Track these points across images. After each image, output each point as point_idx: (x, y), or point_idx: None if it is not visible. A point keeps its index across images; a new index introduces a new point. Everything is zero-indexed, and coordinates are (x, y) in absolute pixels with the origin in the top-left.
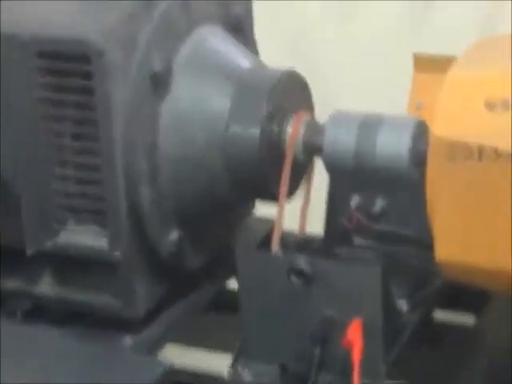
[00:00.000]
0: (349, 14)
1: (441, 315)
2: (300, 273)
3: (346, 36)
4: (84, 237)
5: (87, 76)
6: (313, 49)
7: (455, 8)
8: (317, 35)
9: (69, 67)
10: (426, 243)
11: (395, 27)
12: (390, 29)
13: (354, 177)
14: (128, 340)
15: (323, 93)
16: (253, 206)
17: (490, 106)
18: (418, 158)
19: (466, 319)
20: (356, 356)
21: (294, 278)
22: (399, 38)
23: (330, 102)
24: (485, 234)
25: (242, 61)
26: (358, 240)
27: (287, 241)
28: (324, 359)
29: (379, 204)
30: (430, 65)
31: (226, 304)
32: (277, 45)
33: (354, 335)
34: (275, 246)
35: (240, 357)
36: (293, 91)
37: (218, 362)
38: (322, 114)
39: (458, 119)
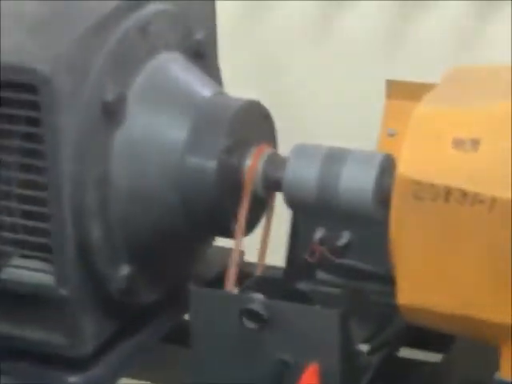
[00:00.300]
0: (319, 37)
1: (407, 353)
2: (254, 315)
3: (316, 61)
4: (30, 273)
5: (34, 106)
6: (283, 74)
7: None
8: (286, 60)
9: (15, 96)
10: (392, 279)
11: (368, 50)
12: (364, 52)
13: (318, 210)
14: (73, 379)
15: (292, 120)
16: (212, 239)
17: (458, 144)
18: (383, 195)
19: (433, 357)
20: None
21: (246, 321)
22: (373, 61)
23: (301, 130)
24: (449, 279)
25: (202, 90)
26: (320, 274)
27: (244, 278)
28: None
29: (345, 237)
30: (403, 91)
31: (185, 336)
32: (245, 70)
33: (310, 381)
34: (230, 284)
35: None
36: (254, 122)
37: None
38: (290, 142)
39: (424, 157)
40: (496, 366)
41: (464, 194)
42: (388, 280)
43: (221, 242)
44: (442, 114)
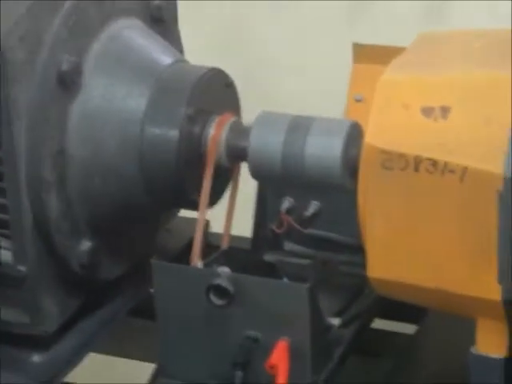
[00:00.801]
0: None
1: (380, 324)
2: (221, 290)
3: (280, 26)
4: None
5: None
6: (246, 41)
7: None
8: (250, 26)
9: None
10: (361, 249)
11: (333, 16)
12: (328, 17)
13: (284, 180)
14: (37, 357)
15: (257, 87)
16: (176, 212)
17: (427, 112)
18: (351, 165)
19: (407, 328)
20: (281, 380)
21: (213, 297)
22: (337, 26)
23: (265, 98)
24: (421, 251)
25: (162, 57)
26: (288, 245)
27: (209, 251)
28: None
29: (312, 207)
30: (370, 55)
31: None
32: (206, 37)
33: (280, 357)
34: (195, 258)
35: (158, 377)
36: (217, 91)
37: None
38: (256, 107)
39: (392, 126)
40: (469, 336)
41: (434, 163)
42: (358, 250)
43: (187, 212)
44: (409, 81)
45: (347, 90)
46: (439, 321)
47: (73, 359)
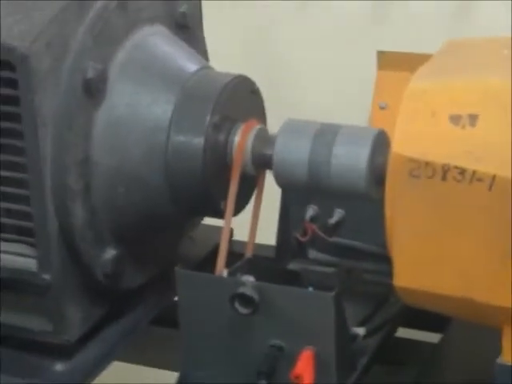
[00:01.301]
0: (309, 9)
1: (405, 333)
2: (245, 299)
3: (306, 32)
4: (12, 257)
5: (12, 84)
6: (271, 48)
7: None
8: (274, 34)
9: None
10: (385, 257)
11: (357, 24)
12: (352, 26)
13: (309, 189)
14: (59, 366)
15: (282, 95)
16: (199, 220)
17: (454, 119)
18: (377, 174)
19: (431, 337)
20: None
21: (238, 306)
22: (361, 34)
23: (290, 106)
24: (448, 260)
25: (187, 64)
26: (313, 253)
27: (233, 259)
28: None
29: (337, 215)
30: (395, 62)
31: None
32: (232, 44)
33: (305, 367)
34: (220, 268)
35: None
36: (242, 98)
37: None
38: (281, 115)
39: (419, 134)
40: (494, 346)
41: (462, 171)
42: (383, 258)
43: (210, 219)
44: (437, 89)
45: (372, 98)
46: (463, 329)
47: (95, 368)
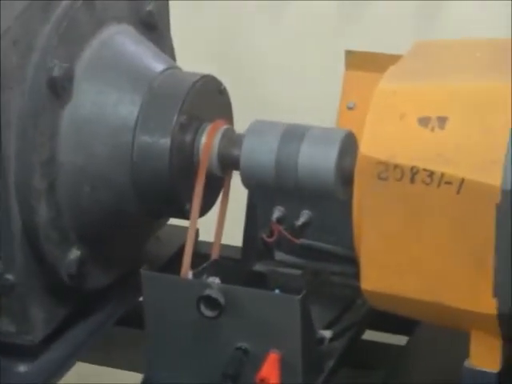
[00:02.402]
0: (278, 5)
1: (372, 336)
2: (211, 302)
3: (275, 29)
4: None
5: None
6: (242, 42)
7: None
8: (243, 33)
9: None
10: (353, 259)
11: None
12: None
13: (276, 190)
14: (23, 367)
15: (253, 92)
16: (166, 220)
17: (424, 121)
18: (345, 175)
19: (399, 339)
20: None
21: (204, 308)
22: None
23: (260, 100)
24: (416, 263)
25: (154, 64)
26: (279, 255)
27: (199, 260)
28: None
29: (304, 216)
30: (362, 62)
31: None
32: (200, 44)
33: (270, 370)
34: (185, 269)
35: None
36: (209, 98)
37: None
38: (249, 113)
39: (387, 136)
40: (461, 348)
41: (431, 174)
42: (350, 260)
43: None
44: (406, 91)
45: (339, 98)
46: (430, 332)
47: (60, 369)
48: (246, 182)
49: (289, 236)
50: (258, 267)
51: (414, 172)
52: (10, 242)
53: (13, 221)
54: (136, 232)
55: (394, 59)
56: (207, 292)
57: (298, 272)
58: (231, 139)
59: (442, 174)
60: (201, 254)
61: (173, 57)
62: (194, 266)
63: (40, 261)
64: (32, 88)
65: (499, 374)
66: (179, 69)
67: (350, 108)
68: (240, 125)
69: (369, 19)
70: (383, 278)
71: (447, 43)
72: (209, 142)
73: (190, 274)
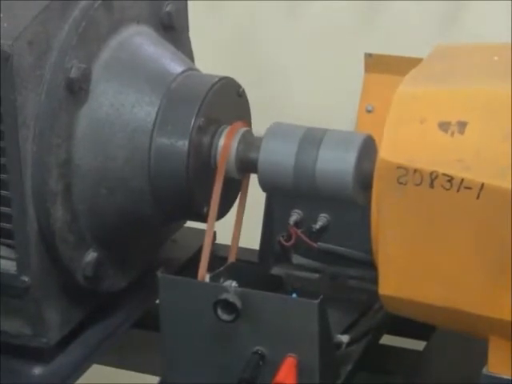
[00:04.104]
0: (296, 11)
1: (390, 340)
2: (228, 305)
3: (293, 34)
4: None
5: None
6: (260, 45)
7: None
8: (261, 35)
9: None
10: (370, 263)
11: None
12: (339, 27)
13: (294, 193)
14: (38, 370)
15: (270, 94)
16: (183, 222)
17: (443, 126)
18: (364, 180)
19: (416, 344)
20: None
21: (220, 312)
22: (350, 36)
23: (279, 103)
24: (434, 269)
25: (172, 65)
26: (296, 258)
27: (216, 262)
28: None
29: (322, 220)
30: (381, 65)
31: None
32: (218, 46)
33: (287, 374)
34: (202, 273)
35: None
36: (228, 100)
37: None
38: (267, 117)
39: (407, 141)
40: (479, 354)
41: (450, 179)
42: (367, 264)
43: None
44: (426, 95)
45: (359, 101)
46: (448, 337)
47: (74, 372)
48: (264, 185)
49: (306, 240)
50: (276, 270)
51: (433, 177)
52: (26, 244)
53: (29, 222)
54: (153, 234)
55: (413, 62)
56: (224, 296)
57: (315, 276)
58: (249, 142)
59: (462, 180)
60: (218, 257)
61: (191, 58)
62: (211, 268)
63: (56, 263)
64: (49, 88)
65: None
66: (198, 70)
67: (368, 111)
68: (257, 127)
69: (388, 21)
70: (401, 283)
71: (467, 47)
72: (227, 144)
73: (206, 278)
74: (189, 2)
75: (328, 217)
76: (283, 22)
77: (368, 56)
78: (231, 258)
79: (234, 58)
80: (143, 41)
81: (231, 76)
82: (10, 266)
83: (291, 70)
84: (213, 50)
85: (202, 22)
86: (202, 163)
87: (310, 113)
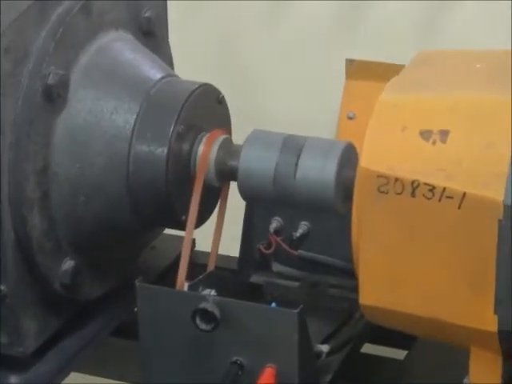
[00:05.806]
0: (276, 15)
1: (370, 349)
2: (207, 315)
3: (274, 38)
4: None
5: None
6: (240, 52)
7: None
8: (241, 42)
9: None
10: (351, 272)
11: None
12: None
13: (274, 202)
14: (14, 379)
15: (250, 101)
16: (161, 229)
17: (425, 135)
18: (345, 188)
19: (397, 353)
20: None
21: (199, 321)
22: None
23: (259, 110)
24: (416, 279)
25: (151, 72)
26: (276, 266)
27: (195, 270)
28: None
29: (302, 228)
30: (363, 71)
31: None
32: (197, 52)
33: None
34: (181, 281)
35: None
36: (207, 107)
37: None
38: (248, 123)
39: (388, 149)
40: (460, 364)
41: (432, 188)
42: (348, 273)
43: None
44: (408, 103)
45: (340, 107)
46: (429, 347)
47: (52, 381)
48: (244, 193)
49: (286, 247)
50: (255, 278)
51: (414, 186)
52: (2, 252)
53: (5, 230)
54: (131, 242)
55: (394, 68)
56: (203, 305)
57: (295, 284)
58: (229, 149)
59: (444, 189)
60: (197, 264)
61: (171, 65)
62: (190, 275)
63: (32, 270)
64: (26, 95)
65: None
66: (177, 77)
67: (350, 118)
68: (237, 135)
69: (370, 28)
70: (381, 292)
71: (449, 54)
72: (206, 151)
73: (185, 286)
74: (169, 9)
75: (308, 224)
76: (263, 30)
77: (349, 62)
78: (211, 266)
79: (214, 65)
80: (122, 47)
81: (211, 83)
82: None
83: (272, 77)
84: (193, 57)
85: (182, 28)
86: (181, 170)
87: (291, 120)
